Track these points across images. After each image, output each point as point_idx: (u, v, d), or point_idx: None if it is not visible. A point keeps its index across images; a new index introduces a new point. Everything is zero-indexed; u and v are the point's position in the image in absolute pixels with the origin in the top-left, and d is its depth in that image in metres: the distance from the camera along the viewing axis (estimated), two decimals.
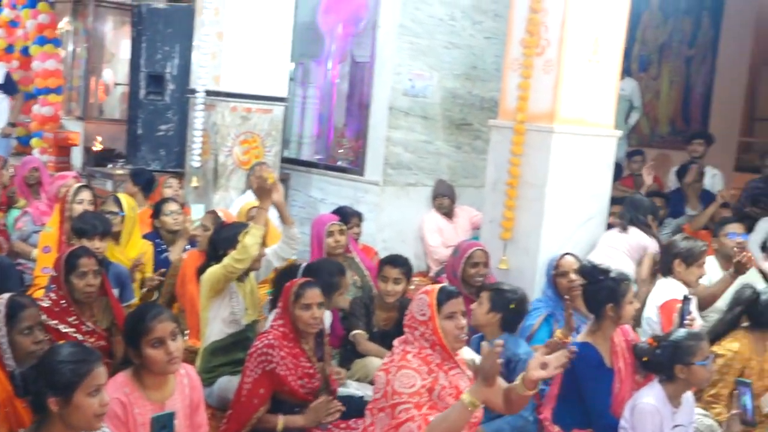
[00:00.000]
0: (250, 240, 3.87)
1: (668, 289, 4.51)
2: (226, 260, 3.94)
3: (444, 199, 6.91)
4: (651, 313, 4.47)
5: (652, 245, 5.12)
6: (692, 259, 4.53)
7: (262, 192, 4.13)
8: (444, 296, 3.12)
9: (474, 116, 7.19)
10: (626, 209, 5.29)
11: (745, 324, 4.13)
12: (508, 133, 4.89)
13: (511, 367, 3.76)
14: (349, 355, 4.40)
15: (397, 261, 4.43)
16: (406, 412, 2.98)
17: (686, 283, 4.48)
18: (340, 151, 7.42)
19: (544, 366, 2.92)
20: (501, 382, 3.12)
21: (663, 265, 4.61)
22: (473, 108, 7.18)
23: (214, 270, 4.02)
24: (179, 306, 4.78)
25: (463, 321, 3.14)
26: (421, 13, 6.74)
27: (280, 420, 3.51)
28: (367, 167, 6.92)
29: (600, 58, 4.86)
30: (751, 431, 3.56)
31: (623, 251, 5.04)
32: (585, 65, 4.81)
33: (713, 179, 7.64)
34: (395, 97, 6.71)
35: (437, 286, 3.19)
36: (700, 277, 4.62)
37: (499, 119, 5.05)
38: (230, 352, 4.07)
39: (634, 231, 5.13)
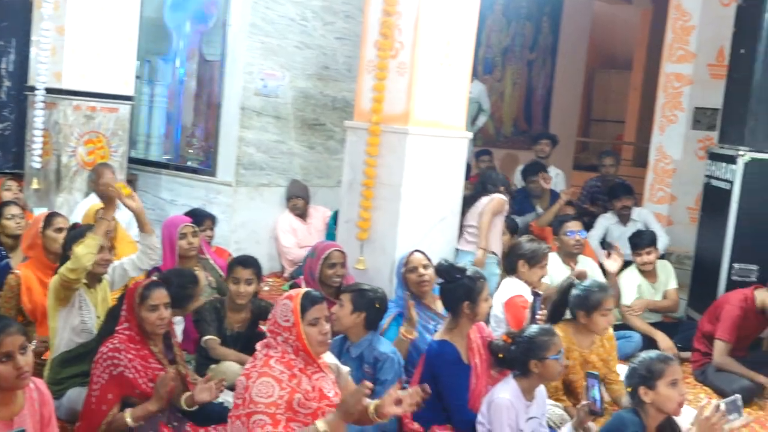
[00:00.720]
0: (82, 250, 3.69)
1: (512, 287, 4.71)
2: (61, 269, 3.77)
3: (298, 200, 6.90)
4: (497, 310, 4.64)
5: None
6: (535, 260, 4.74)
7: (107, 199, 3.96)
8: (308, 302, 3.10)
9: (326, 116, 7.20)
10: (481, 180, 5.66)
11: (568, 316, 4.33)
12: (364, 134, 4.92)
13: (378, 366, 3.80)
14: (204, 361, 4.30)
15: (247, 262, 4.36)
16: (259, 425, 2.94)
17: (529, 283, 4.68)
18: (189, 151, 7.26)
19: (398, 402, 2.97)
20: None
21: (508, 265, 4.80)
22: (326, 108, 7.19)
23: (53, 278, 3.84)
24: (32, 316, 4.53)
25: (327, 326, 3.14)
26: (273, 13, 6.68)
27: (127, 413, 3.36)
28: (219, 168, 6.80)
29: (452, 61, 4.97)
30: (598, 420, 3.73)
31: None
32: (437, 68, 4.90)
33: (556, 178, 7.98)
34: (247, 97, 6.62)
35: (301, 291, 3.16)
36: (542, 277, 4.84)
37: (355, 120, 5.08)
38: (80, 363, 3.87)
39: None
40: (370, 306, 3.88)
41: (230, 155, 6.68)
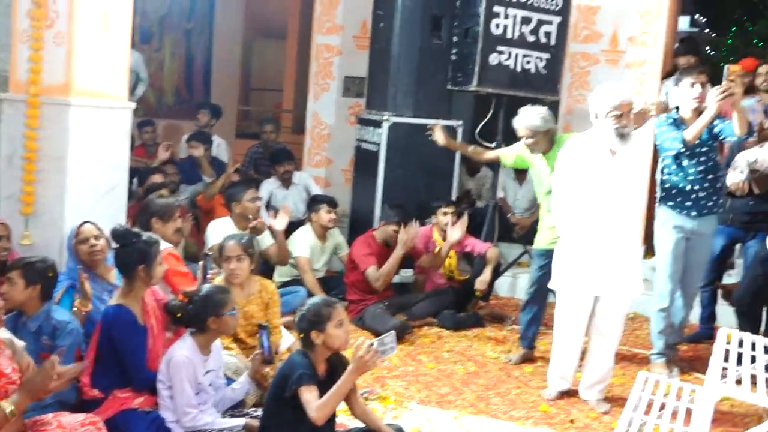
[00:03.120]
0: None
1: None
2: None
3: None
4: None
5: None
6: (168, 216, 4.94)
7: None
8: None
9: None
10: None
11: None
12: (22, 106, 4.77)
13: (57, 334, 3.81)
14: None
15: None
16: None
17: (165, 238, 4.74)
18: None
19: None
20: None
21: (141, 224, 4.84)
22: None
23: None
24: None
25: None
26: None
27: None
28: None
29: (110, 31, 4.95)
30: (271, 368, 4.05)
31: None
32: (96, 38, 4.87)
33: (218, 148, 8.20)
34: None
35: None
36: (176, 230, 5.01)
37: (11, 92, 4.89)
38: None
39: None
40: (44, 276, 3.87)
41: None
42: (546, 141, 5.21)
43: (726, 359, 3.74)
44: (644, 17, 7.24)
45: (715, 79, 5.29)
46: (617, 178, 4.49)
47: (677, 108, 5.16)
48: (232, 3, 11.11)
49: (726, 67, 5.07)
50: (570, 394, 4.84)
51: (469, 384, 4.99)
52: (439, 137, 6.09)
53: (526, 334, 5.49)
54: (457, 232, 6.12)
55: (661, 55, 7.22)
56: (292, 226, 6.64)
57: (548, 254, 5.00)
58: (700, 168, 5.03)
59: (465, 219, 6.21)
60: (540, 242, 5.30)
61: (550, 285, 4.88)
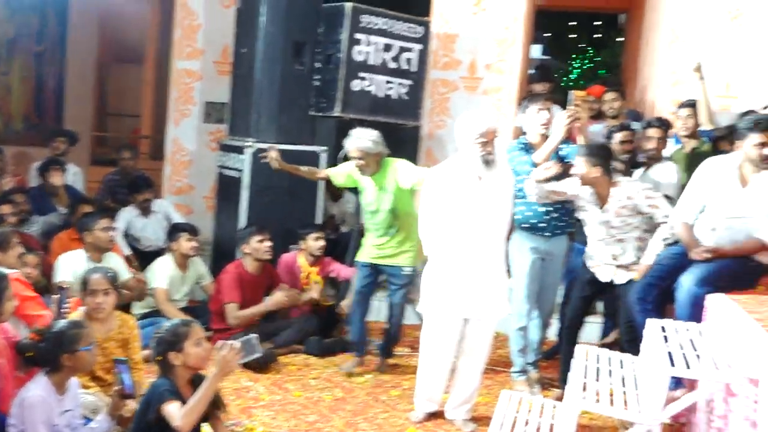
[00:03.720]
0: None
1: None
2: None
3: None
4: None
5: None
6: (5, 245, 4.75)
7: None
8: None
9: None
10: None
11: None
12: None
13: None
14: None
15: None
16: None
17: (7, 266, 4.50)
18: None
19: None
20: None
21: None
22: None
23: None
24: None
25: None
26: None
27: None
28: None
29: None
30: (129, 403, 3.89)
31: None
32: None
33: (74, 176, 7.88)
34: None
35: None
36: (18, 257, 4.84)
37: None
38: None
39: None
40: None
41: None
42: (375, 163, 5.44)
43: (585, 375, 3.87)
44: (500, 45, 7.49)
45: (564, 105, 5.52)
46: (483, 202, 4.61)
47: (525, 133, 5.36)
48: (86, 26, 10.76)
49: (571, 92, 5.33)
50: (437, 415, 4.89)
51: (337, 411, 4.96)
52: (273, 161, 6.02)
53: (358, 343, 5.74)
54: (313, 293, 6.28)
55: (517, 82, 7.47)
56: (152, 256, 6.46)
57: (373, 268, 5.56)
58: None
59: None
60: (364, 256, 5.62)
61: (417, 309, 4.93)
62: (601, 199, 4.86)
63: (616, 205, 4.81)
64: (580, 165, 4.80)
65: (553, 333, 5.89)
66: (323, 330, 6.24)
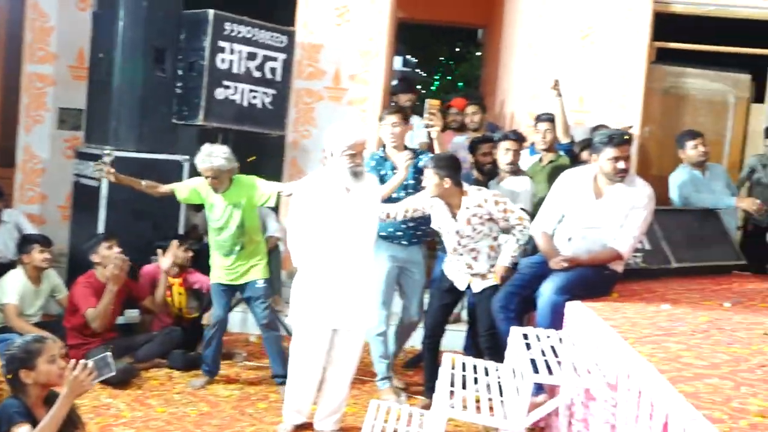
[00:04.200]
0: None
1: None
2: None
3: None
4: None
5: None
6: None
7: None
8: None
9: None
10: None
11: None
12: None
13: None
14: None
15: None
16: None
17: None
18: None
19: None
20: None
21: None
22: None
23: None
24: None
25: None
26: None
27: None
28: None
29: None
30: None
31: None
32: None
33: None
34: None
35: None
36: None
37: None
38: None
39: None
40: None
41: None
42: (227, 180, 5.39)
43: (452, 383, 3.94)
44: (364, 57, 7.56)
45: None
46: (352, 214, 4.62)
47: (384, 146, 5.45)
48: None
49: (426, 101, 5.46)
50: (306, 427, 4.86)
51: (203, 426, 4.85)
52: (108, 174, 5.57)
53: (210, 368, 5.65)
54: (166, 261, 6.07)
55: (380, 93, 7.56)
56: (2, 269, 6.13)
57: (228, 287, 5.51)
58: None
59: (174, 244, 6.12)
60: (215, 278, 5.56)
61: (286, 320, 4.89)
62: (453, 209, 4.97)
63: (467, 214, 4.92)
64: (430, 177, 4.89)
65: (417, 341, 5.97)
66: (187, 343, 6.09)
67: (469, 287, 5.10)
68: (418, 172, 5.25)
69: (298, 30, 7.45)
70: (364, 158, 4.69)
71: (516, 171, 5.79)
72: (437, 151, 5.40)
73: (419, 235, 5.43)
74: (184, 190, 5.59)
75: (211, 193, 5.43)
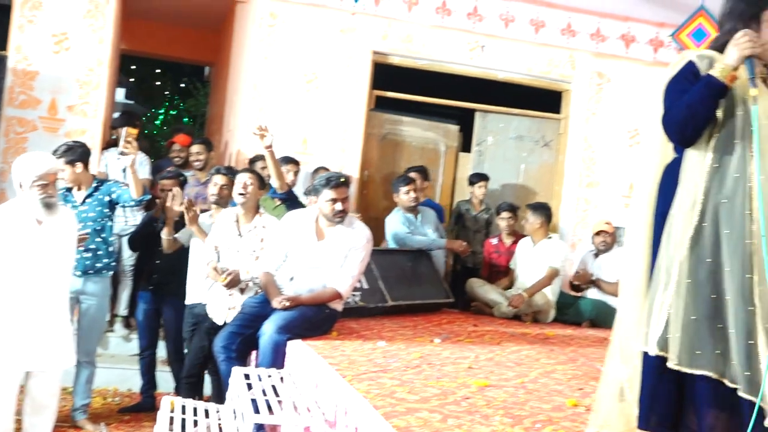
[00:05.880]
0: None
1: None
2: None
3: None
4: None
5: None
6: None
7: None
8: None
9: None
10: None
11: None
12: None
13: None
14: None
15: None
16: None
17: None
18: None
19: None
20: None
21: None
22: None
23: None
24: None
25: None
26: None
27: None
28: None
29: None
30: None
31: None
32: None
33: None
34: None
35: None
36: None
37: None
38: None
39: None
40: None
41: None
42: None
43: (171, 426, 3.84)
44: (83, 87, 7.22)
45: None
46: (45, 248, 4.39)
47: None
48: None
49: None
50: None
51: None
52: None
53: None
54: None
55: (101, 126, 7.26)
56: None
57: None
58: None
59: None
60: None
61: None
62: None
63: None
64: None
65: (137, 385, 5.75)
66: None
67: None
68: (110, 205, 5.41)
69: (10, 54, 7.00)
70: (57, 189, 4.48)
71: (225, 204, 5.61)
72: (131, 179, 5.28)
73: (99, 267, 5.39)
74: None
75: None
